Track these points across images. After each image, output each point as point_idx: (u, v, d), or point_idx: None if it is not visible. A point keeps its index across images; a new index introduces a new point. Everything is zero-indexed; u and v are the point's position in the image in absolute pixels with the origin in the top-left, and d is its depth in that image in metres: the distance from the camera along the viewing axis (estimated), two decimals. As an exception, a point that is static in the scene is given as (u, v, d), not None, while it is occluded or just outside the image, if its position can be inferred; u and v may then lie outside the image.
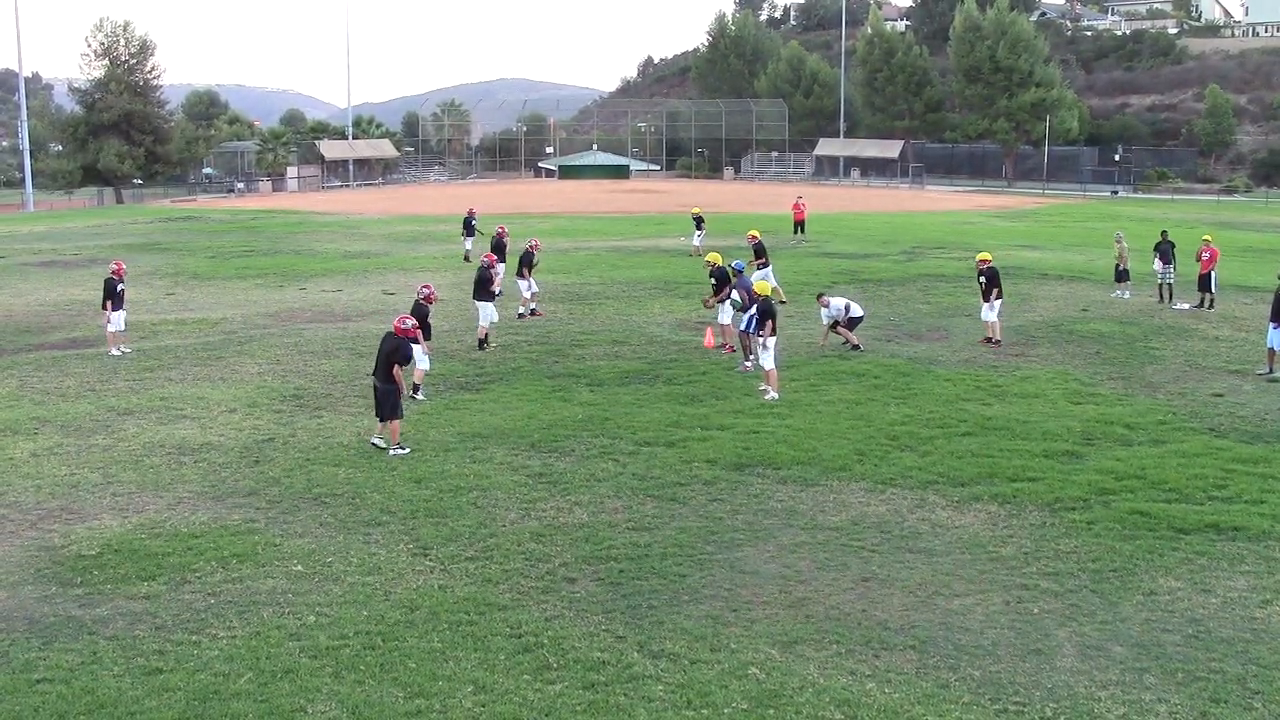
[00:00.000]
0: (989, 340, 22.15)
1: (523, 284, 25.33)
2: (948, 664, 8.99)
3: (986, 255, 23.14)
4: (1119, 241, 29.04)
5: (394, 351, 14.78)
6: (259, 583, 10.58)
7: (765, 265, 27.02)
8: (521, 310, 25.17)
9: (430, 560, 11.13)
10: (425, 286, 18.41)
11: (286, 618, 9.80)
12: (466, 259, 35.27)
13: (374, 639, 9.37)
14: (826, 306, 21.73)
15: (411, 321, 15.64)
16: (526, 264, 25.55)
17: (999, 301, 22.29)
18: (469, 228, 36.66)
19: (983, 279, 22.28)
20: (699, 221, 38.63)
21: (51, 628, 9.65)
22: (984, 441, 15.16)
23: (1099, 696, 8.50)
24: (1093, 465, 14.12)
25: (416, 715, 8.20)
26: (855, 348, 21.38)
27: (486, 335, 21.67)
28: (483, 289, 21.56)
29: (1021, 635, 9.52)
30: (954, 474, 13.75)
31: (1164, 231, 28.89)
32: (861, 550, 11.39)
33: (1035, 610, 10.01)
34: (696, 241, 37.99)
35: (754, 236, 28.02)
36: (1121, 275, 28.57)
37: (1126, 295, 28.24)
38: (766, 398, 17.59)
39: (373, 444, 14.98)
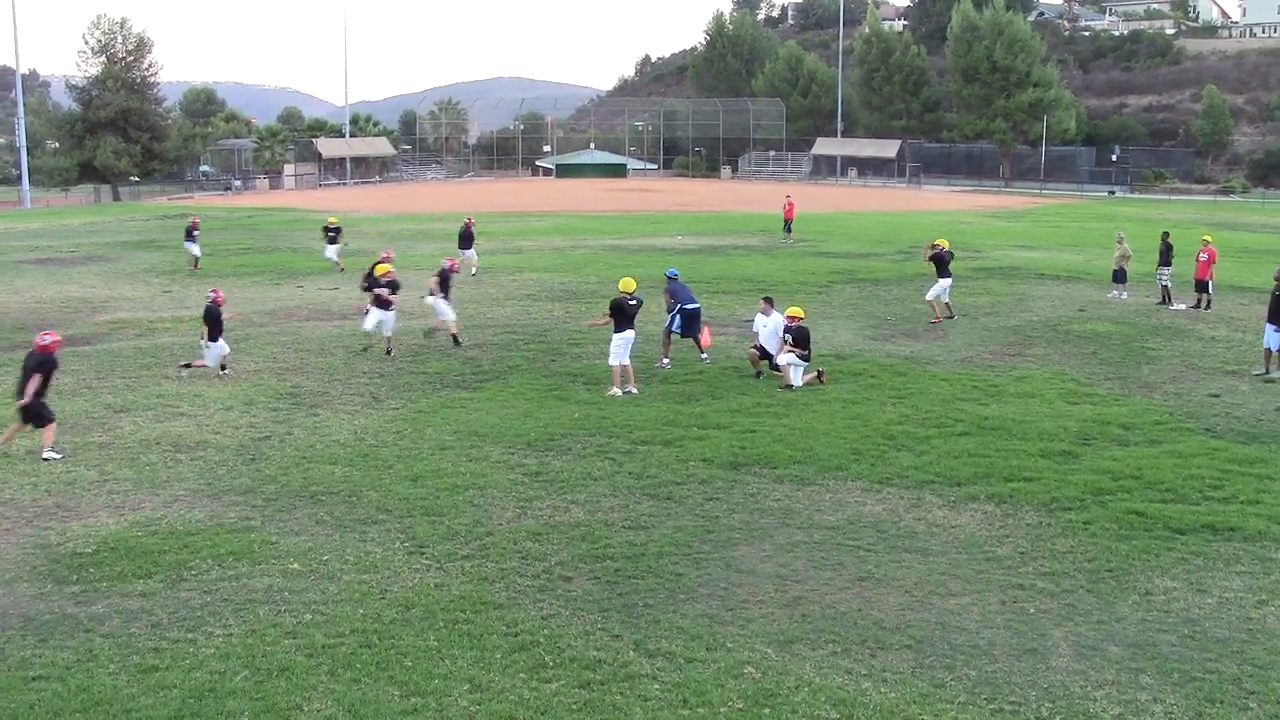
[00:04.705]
0: (788, 386, 18.29)
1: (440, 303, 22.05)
2: (944, 663, 9.00)
3: (797, 311, 18.98)
4: (1120, 242, 29.03)
5: (37, 367, 14.52)
6: (255, 581, 10.57)
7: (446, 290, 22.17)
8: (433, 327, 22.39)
9: (426, 559, 11.12)
10: (214, 291, 19.79)
11: (283, 616, 9.79)
12: (342, 268, 33.21)
13: (370, 637, 9.36)
14: (766, 315, 19.29)
15: (51, 338, 15.13)
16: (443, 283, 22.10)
17: (803, 365, 18.59)
18: (332, 236, 34.29)
19: (788, 336, 18.70)
20: (334, 232, 34.61)
21: (47, 625, 9.64)
22: (980, 441, 15.16)
23: (1095, 696, 8.50)
24: (1089, 465, 14.13)
25: (412, 713, 8.19)
26: (788, 387, 18.28)
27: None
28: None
29: (1017, 635, 9.53)
30: (950, 474, 13.76)
31: (1165, 234, 28.81)
32: (858, 550, 11.40)
33: (1031, 610, 10.01)
34: (332, 255, 34.20)
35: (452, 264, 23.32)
36: (1119, 276, 28.60)
37: (1124, 296, 28.26)
38: (608, 393, 17.72)
39: (44, 458, 14.32)
